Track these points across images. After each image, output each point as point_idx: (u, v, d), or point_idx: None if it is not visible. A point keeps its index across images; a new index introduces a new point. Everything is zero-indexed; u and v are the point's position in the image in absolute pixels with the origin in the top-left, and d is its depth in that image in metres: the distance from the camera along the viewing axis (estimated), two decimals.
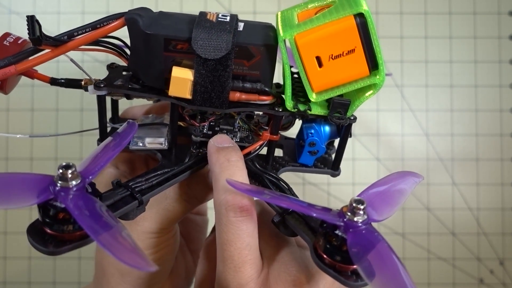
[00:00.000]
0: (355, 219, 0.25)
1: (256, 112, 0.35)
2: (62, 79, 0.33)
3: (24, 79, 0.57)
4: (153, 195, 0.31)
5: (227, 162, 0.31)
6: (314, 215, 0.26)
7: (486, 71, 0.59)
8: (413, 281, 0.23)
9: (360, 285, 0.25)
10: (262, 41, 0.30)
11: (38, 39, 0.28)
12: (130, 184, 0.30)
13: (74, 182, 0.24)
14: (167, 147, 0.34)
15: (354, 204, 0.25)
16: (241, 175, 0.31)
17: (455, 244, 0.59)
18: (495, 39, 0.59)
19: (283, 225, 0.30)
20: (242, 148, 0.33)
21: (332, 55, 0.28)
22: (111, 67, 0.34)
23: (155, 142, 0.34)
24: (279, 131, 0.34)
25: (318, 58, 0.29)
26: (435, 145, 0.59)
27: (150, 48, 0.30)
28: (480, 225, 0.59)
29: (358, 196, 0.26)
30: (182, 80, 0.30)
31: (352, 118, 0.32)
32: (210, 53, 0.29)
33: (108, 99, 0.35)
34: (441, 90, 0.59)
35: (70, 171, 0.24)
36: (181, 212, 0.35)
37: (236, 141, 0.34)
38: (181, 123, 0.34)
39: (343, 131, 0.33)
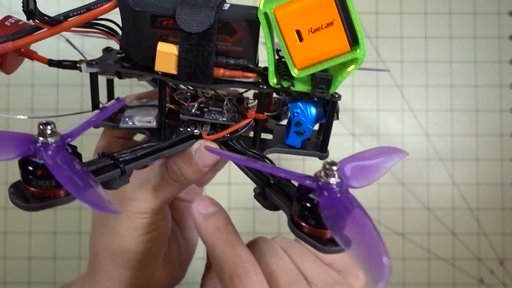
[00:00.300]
0: (329, 181, 0.25)
1: (245, 95, 0.36)
2: (58, 60, 0.35)
3: (25, 79, 0.57)
4: (137, 166, 0.31)
5: (218, 230, 0.31)
6: (283, 175, 0.26)
7: (486, 71, 0.59)
8: (388, 250, 0.23)
9: (334, 250, 0.25)
10: (243, 17, 0.31)
11: (31, 12, 0.29)
12: (114, 155, 0.31)
13: (53, 139, 0.25)
14: (156, 125, 0.35)
15: (327, 166, 0.25)
16: (236, 239, 0.31)
17: (455, 244, 0.59)
18: (495, 39, 0.59)
19: (262, 196, 0.31)
20: (228, 127, 0.34)
21: (311, 28, 0.29)
22: (106, 50, 0.36)
23: (143, 120, 0.35)
24: (267, 115, 0.35)
25: (298, 32, 0.29)
26: (435, 145, 0.59)
27: (138, 25, 0.32)
28: (480, 225, 0.59)
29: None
30: (167, 54, 0.31)
31: (336, 96, 0.32)
32: (193, 27, 0.30)
33: (104, 82, 0.36)
34: (441, 90, 0.59)
35: (49, 127, 0.25)
36: (170, 192, 0.36)
37: (223, 120, 0.35)
38: (172, 106, 0.36)
39: (328, 110, 0.34)
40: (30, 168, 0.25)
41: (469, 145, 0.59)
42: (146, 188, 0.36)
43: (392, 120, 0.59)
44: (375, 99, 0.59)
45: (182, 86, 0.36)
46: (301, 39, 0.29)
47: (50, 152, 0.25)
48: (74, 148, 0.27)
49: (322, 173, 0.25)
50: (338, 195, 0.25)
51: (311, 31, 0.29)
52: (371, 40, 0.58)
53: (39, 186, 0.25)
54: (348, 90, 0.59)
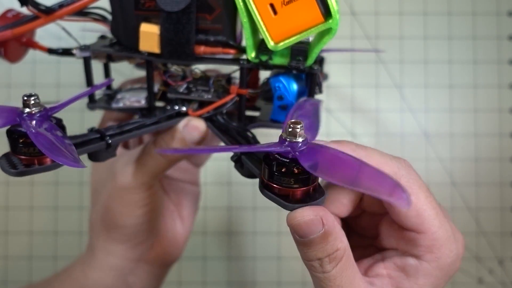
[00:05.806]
0: (295, 140, 0.26)
1: (234, 76, 0.37)
2: (58, 49, 0.37)
3: (26, 79, 0.57)
4: (122, 139, 0.33)
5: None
6: (259, 150, 0.27)
7: (485, 71, 0.59)
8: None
9: (299, 207, 0.26)
10: None
11: (24, 0, 0.31)
12: (101, 129, 0.32)
13: (36, 110, 0.28)
14: (146, 105, 0.37)
15: (292, 125, 0.26)
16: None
17: None
18: (494, 40, 0.59)
19: (240, 164, 0.31)
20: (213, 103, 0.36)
21: (284, 0, 0.30)
22: (101, 37, 0.38)
23: (133, 100, 0.37)
24: (251, 92, 0.36)
25: (272, 6, 0.30)
26: (434, 145, 0.59)
27: (123, 8, 0.33)
28: (479, 224, 0.59)
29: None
30: (149, 34, 0.33)
31: (315, 68, 0.33)
32: (173, 7, 0.32)
33: (101, 68, 0.38)
34: (440, 90, 0.59)
35: (32, 99, 0.28)
36: (157, 167, 0.37)
37: (208, 98, 0.36)
38: (163, 88, 0.37)
39: (309, 83, 0.34)
40: (15, 136, 0.27)
41: (468, 145, 0.59)
42: (134, 164, 0.37)
43: (392, 120, 0.59)
44: (374, 99, 0.59)
45: (172, 69, 0.38)
46: (275, 12, 0.30)
47: (34, 122, 0.27)
48: (59, 120, 0.29)
49: (288, 134, 0.26)
50: (304, 151, 0.25)
51: (284, 3, 0.30)
52: (371, 40, 0.59)
53: (24, 153, 0.27)
54: (348, 90, 0.59)
